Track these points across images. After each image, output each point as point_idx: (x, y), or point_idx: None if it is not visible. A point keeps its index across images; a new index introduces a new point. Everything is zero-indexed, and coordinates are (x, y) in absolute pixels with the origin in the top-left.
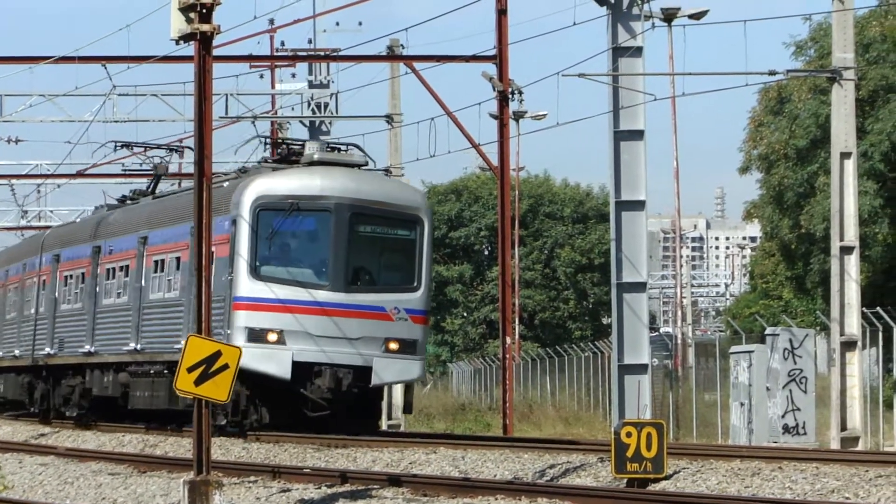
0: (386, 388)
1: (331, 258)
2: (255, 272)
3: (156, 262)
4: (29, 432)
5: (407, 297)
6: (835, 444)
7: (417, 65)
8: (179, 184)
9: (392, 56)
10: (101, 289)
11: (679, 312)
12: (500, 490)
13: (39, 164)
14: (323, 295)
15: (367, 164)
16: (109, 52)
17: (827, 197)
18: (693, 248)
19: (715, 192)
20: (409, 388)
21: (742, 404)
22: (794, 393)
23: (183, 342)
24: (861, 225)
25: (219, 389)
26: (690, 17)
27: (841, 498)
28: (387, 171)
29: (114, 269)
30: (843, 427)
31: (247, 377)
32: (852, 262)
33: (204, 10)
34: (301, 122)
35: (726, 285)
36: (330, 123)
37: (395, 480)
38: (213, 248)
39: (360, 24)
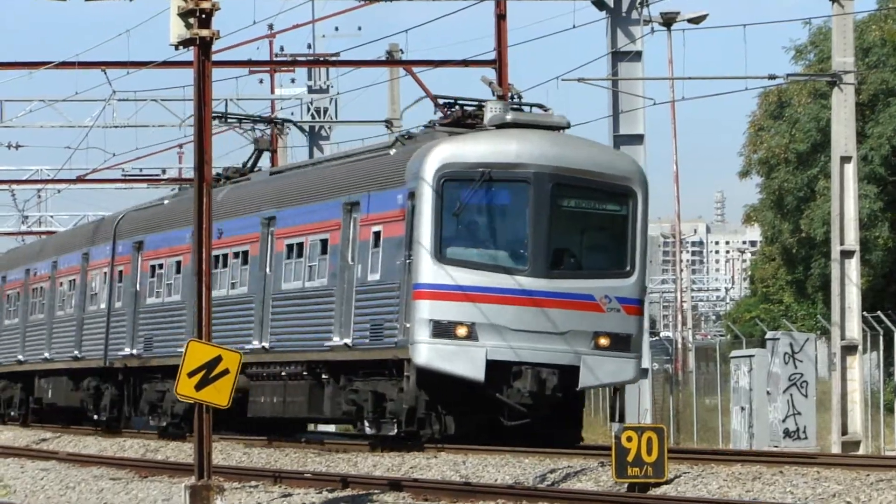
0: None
1: (530, 238)
2: (439, 255)
3: (289, 246)
4: (30, 437)
5: (619, 283)
6: (836, 449)
7: (416, 69)
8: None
9: (391, 61)
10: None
11: (679, 317)
12: (502, 494)
13: (40, 169)
14: (521, 281)
15: (568, 125)
16: (109, 57)
17: (827, 201)
18: (693, 253)
19: (715, 196)
20: (619, 391)
21: (743, 408)
22: (795, 397)
23: (334, 338)
24: (861, 229)
25: (220, 394)
26: (690, 21)
27: (842, 502)
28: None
29: (226, 255)
30: (844, 431)
31: (427, 380)
32: (853, 265)
33: (203, 16)
34: (300, 126)
35: (726, 290)
36: (329, 128)
37: (396, 485)
38: (380, 227)
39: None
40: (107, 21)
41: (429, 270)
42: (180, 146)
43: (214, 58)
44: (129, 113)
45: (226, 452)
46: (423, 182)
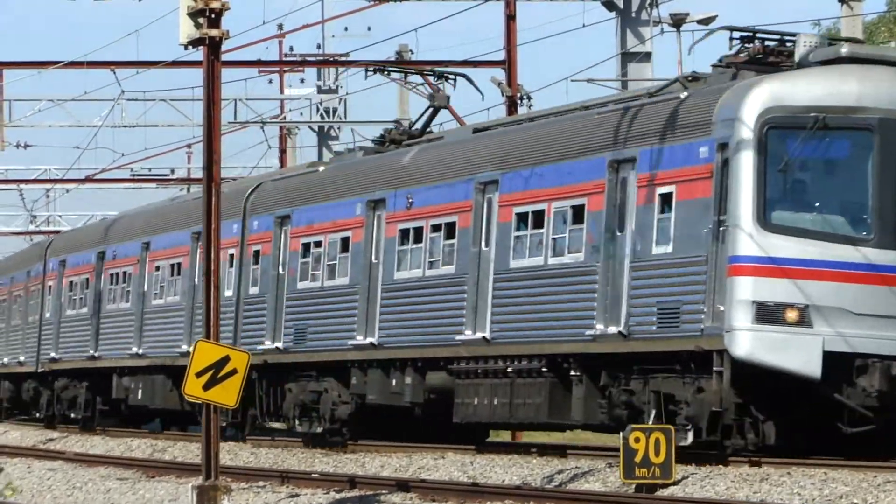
0: None
1: (875, 199)
2: (763, 220)
3: (521, 215)
4: (37, 437)
5: None
6: None
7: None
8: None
9: (401, 62)
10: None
11: None
12: (509, 495)
13: (48, 168)
14: (865, 253)
15: None
16: (118, 57)
17: None
18: None
19: None
20: None
21: None
22: None
23: (597, 325)
24: None
25: (227, 394)
26: (699, 22)
27: (849, 503)
28: None
29: (419, 228)
30: None
31: (741, 375)
32: None
33: (213, 16)
34: (310, 127)
35: None
36: (339, 128)
37: (403, 485)
38: (671, 188)
39: (370, 28)
40: (116, 21)
41: (751, 240)
42: (189, 146)
43: (224, 58)
44: (138, 113)
45: (233, 452)
46: (742, 129)
